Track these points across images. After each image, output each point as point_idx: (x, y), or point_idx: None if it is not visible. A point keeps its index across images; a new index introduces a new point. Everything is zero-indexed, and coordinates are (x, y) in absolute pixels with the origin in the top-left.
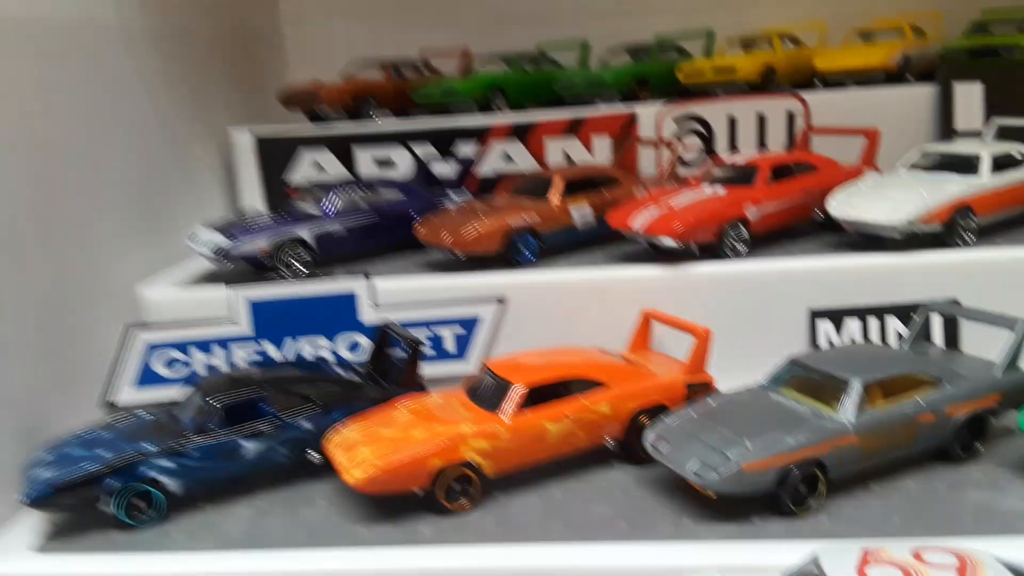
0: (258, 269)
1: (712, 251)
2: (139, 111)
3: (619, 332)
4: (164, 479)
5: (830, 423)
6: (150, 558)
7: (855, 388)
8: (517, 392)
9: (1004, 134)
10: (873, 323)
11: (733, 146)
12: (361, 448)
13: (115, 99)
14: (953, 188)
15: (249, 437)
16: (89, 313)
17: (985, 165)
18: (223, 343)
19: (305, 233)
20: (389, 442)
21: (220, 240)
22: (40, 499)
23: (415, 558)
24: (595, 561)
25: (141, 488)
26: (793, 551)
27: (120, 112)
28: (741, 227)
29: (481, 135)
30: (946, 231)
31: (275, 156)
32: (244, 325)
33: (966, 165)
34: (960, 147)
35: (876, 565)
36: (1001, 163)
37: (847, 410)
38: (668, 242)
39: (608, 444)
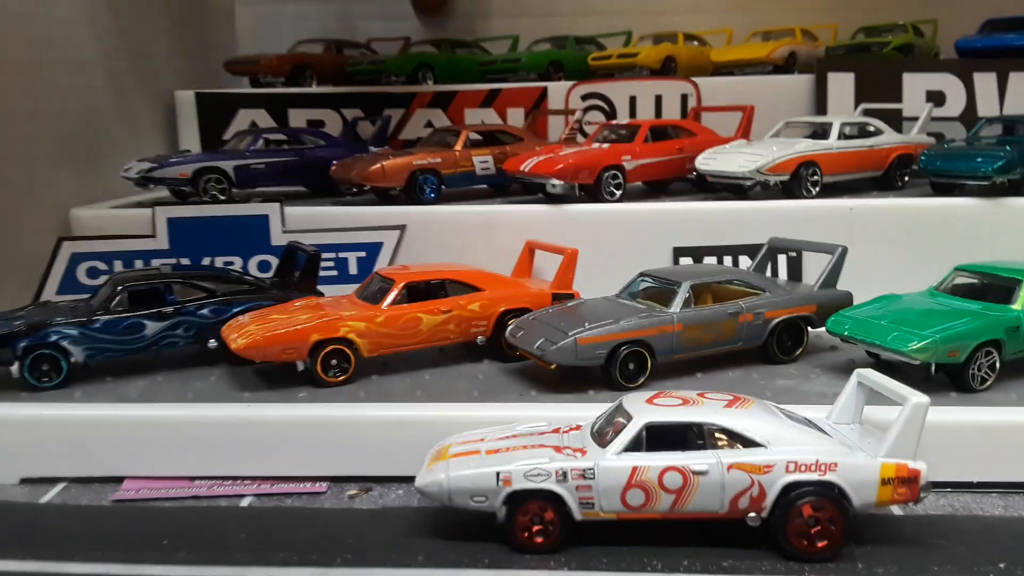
0: (181, 197)
1: (593, 195)
2: (86, 58)
3: (508, 261)
4: (68, 345)
5: (659, 314)
6: (49, 406)
7: (683, 287)
8: (395, 287)
9: (869, 116)
10: (727, 260)
11: None
12: (250, 325)
13: (63, 43)
14: (800, 146)
15: (151, 317)
16: (24, 227)
17: (835, 130)
18: (143, 256)
19: (226, 164)
20: (276, 320)
21: (147, 165)
22: None
23: (280, 410)
24: (437, 412)
25: (46, 351)
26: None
27: (67, 55)
28: (618, 174)
29: (407, 102)
30: (793, 181)
31: (215, 114)
32: (162, 240)
33: (820, 132)
34: (817, 118)
35: (663, 398)
36: (852, 132)
37: (675, 304)
38: (553, 182)
39: (478, 341)
